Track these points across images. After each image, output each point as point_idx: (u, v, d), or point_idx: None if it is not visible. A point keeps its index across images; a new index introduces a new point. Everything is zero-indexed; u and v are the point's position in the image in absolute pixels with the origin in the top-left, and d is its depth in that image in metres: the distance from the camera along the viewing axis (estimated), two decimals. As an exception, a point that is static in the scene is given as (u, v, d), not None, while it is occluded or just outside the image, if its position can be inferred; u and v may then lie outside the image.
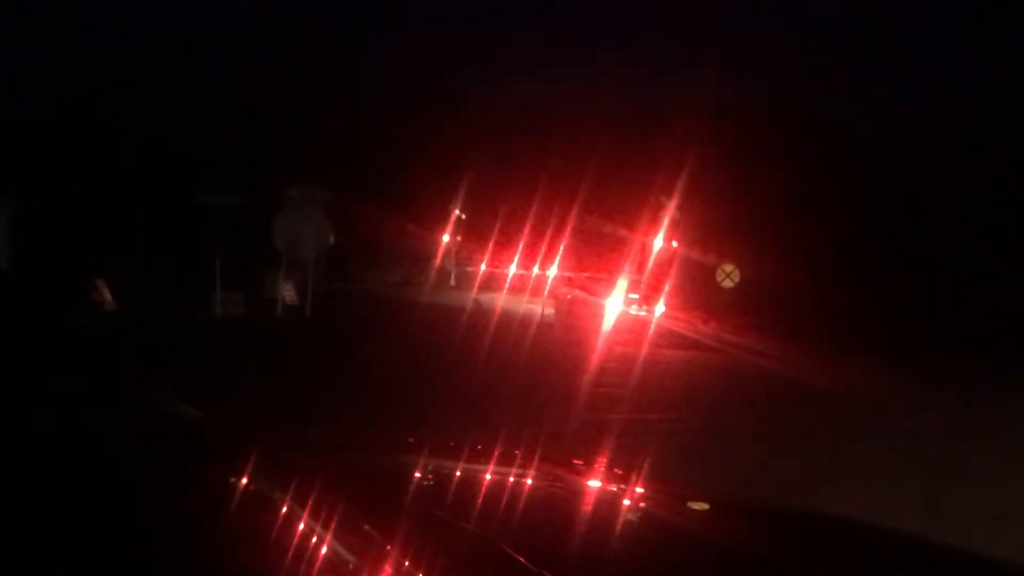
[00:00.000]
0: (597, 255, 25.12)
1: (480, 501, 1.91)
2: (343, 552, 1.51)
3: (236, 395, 7.11)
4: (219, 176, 21.87)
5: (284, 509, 1.64)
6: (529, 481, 2.18)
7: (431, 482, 2.12)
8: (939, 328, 19.63)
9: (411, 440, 2.55)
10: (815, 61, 40.88)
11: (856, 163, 26.94)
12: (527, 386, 10.50)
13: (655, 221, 22.92)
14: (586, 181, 25.24)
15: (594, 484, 2.36)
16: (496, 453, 2.32)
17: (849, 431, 9.30)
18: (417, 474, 2.12)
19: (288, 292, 19.02)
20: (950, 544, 1.99)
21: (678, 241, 23.02)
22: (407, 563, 1.44)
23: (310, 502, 1.61)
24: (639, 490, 2.26)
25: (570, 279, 23.11)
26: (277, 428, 2.49)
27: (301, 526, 1.57)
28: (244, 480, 1.77)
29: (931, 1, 43.65)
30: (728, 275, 22.01)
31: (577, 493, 2.26)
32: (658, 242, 22.36)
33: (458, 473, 2.17)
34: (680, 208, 22.73)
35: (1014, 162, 25.82)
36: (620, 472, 2.60)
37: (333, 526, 1.54)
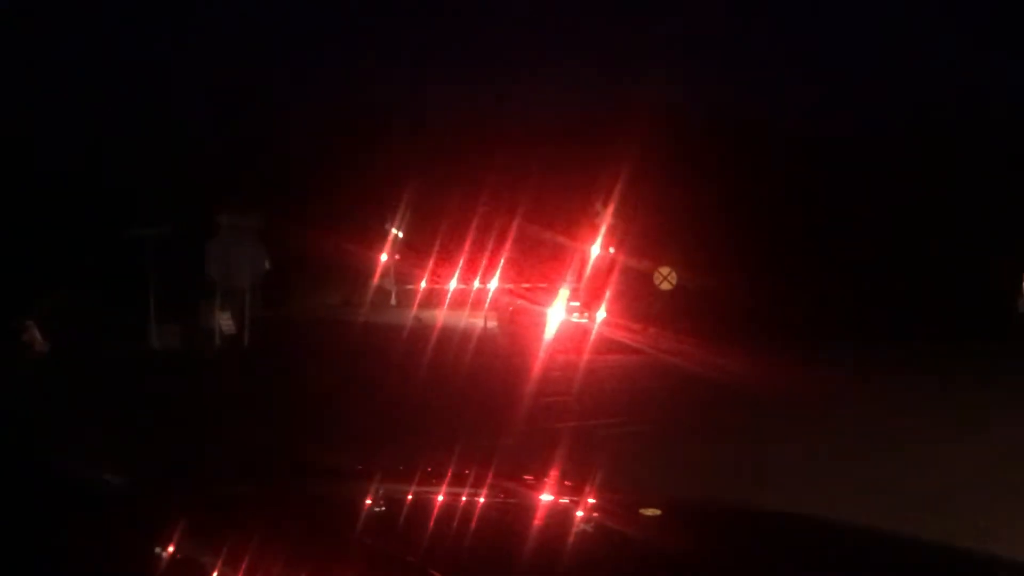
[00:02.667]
0: (537, 265, 25.20)
1: (431, 525, 1.89)
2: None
3: (171, 440, 6.94)
4: (148, 207, 21.45)
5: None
6: (481, 500, 2.17)
7: (381, 510, 2.10)
8: (871, 325, 20.13)
9: (359, 467, 2.53)
10: (749, 65, 41.60)
11: (791, 165, 27.49)
12: (473, 401, 10.47)
13: (593, 228, 23.10)
14: (523, 192, 25.33)
15: (546, 498, 2.36)
16: (448, 474, 2.31)
17: (789, 428, 9.46)
18: (367, 502, 2.10)
19: (225, 321, 18.71)
20: (903, 535, 2.03)
21: (616, 247, 23.23)
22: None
23: (244, 565, 1.51)
24: (591, 500, 2.27)
25: (511, 290, 23.17)
26: (215, 474, 2.36)
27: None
28: (171, 550, 1.63)
29: (863, 5, 44.79)
30: (666, 278, 22.28)
31: (530, 509, 2.26)
32: (596, 249, 22.55)
33: (409, 498, 2.15)
34: (616, 214, 22.94)
35: (949, 163, 26.59)
36: (571, 484, 2.61)
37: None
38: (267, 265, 19.36)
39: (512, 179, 26.09)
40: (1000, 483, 6.74)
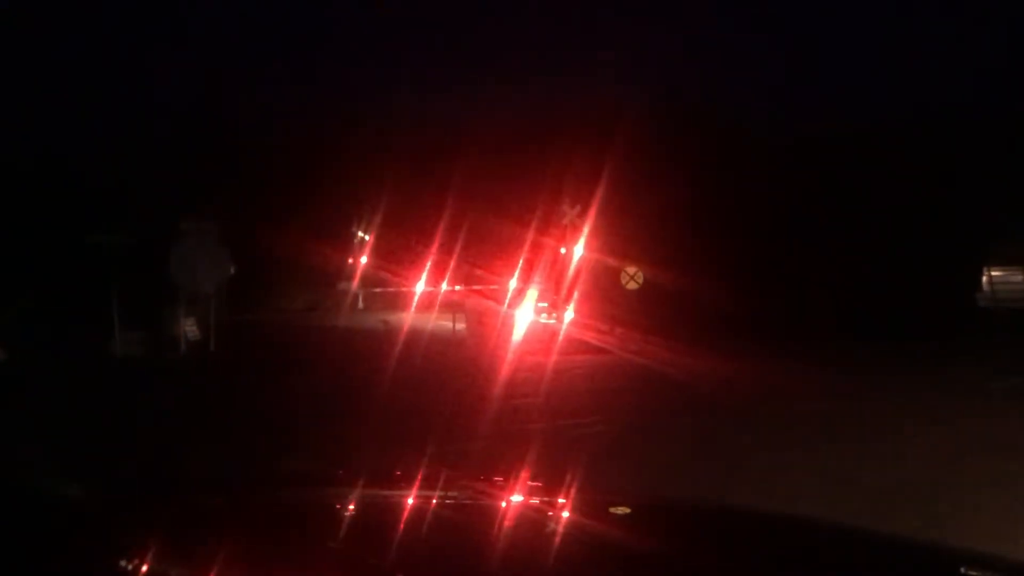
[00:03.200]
0: (505, 266, 25.20)
1: (402, 529, 1.90)
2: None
3: (138, 450, 6.87)
4: (111, 213, 21.20)
5: None
6: (452, 503, 2.17)
7: (351, 515, 2.10)
8: (837, 324, 20.40)
9: (330, 472, 2.52)
10: (718, 65, 41.93)
11: (757, 166, 27.71)
12: (442, 403, 10.46)
13: (561, 229, 23.16)
14: (490, 193, 25.33)
15: (516, 499, 2.37)
16: (419, 478, 2.31)
17: (754, 426, 9.56)
18: (338, 507, 2.09)
19: (190, 327, 18.51)
20: (867, 530, 2.06)
21: (584, 247, 23.30)
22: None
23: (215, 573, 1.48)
24: (560, 501, 2.28)
25: (479, 292, 23.15)
26: (183, 483, 2.31)
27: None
28: (139, 562, 1.58)
29: (826, 7, 45.24)
30: (632, 277, 22.39)
31: (500, 510, 2.27)
32: (564, 250, 22.61)
33: (380, 502, 2.15)
34: (584, 214, 23.02)
35: (907, 164, 26.95)
36: (541, 484, 2.62)
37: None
38: (231, 270, 19.18)
39: (480, 180, 26.07)
40: (957, 474, 6.87)
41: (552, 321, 19.10)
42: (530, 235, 24.40)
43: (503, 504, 2.30)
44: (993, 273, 26.50)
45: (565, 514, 2.17)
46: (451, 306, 24.18)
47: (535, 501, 2.35)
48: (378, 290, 33.24)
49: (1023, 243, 26.13)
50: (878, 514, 5.56)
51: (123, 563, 1.61)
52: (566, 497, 2.30)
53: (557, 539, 1.96)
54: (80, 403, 10.16)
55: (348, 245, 31.45)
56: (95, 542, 1.72)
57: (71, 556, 1.65)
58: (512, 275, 23.49)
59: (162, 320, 19.15)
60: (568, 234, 22.92)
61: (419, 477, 2.33)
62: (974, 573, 1.90)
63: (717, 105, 31.23)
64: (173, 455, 6.32)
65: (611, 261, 22.96)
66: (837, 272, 25.04)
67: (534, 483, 2.71)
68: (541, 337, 17.54)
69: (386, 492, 2.22)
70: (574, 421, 9.63)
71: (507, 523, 2.09)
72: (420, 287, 28.08)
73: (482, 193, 25.44)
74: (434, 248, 26.08)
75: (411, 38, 47.76)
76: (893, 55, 41.58)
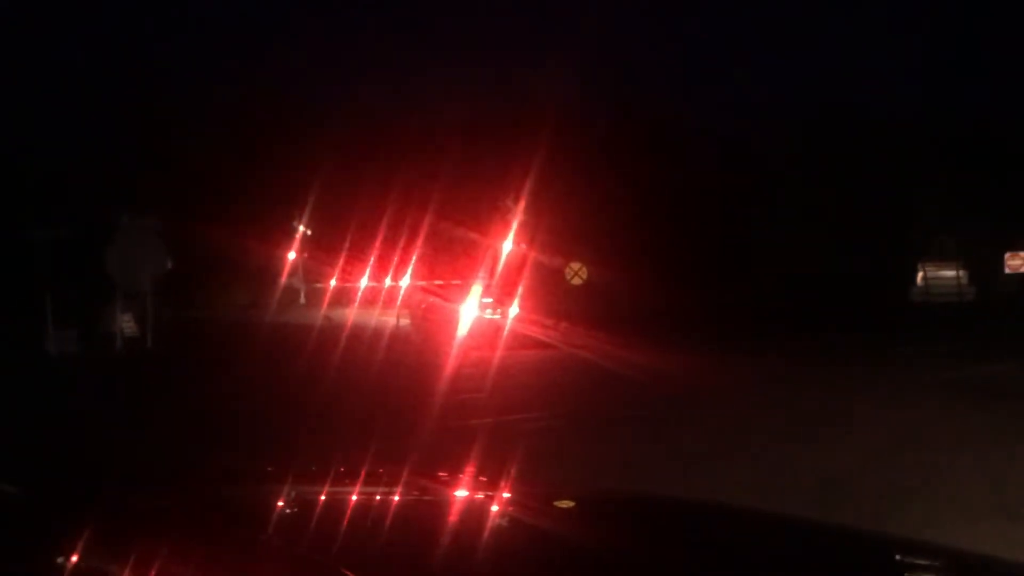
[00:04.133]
0: (449, 262, 25.13)
1: (345, 525, 1.87)
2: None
3: (71, 447, 6.69)
4: (44, 208, 20.67)
5: None
6: (396, 499, 2.15)
7: (293, 512, 2.06)
8: (777, 319, 20.77)
9: (270, 468, 2.47)
10: (659, 62, 42.32)
11: (699, 164, 28.06)
12: (386, 399, 10.40)
13: (504, 224, 23.18)
14: (434, 188, 25.22)
15: (461, 494, 2.36)
16: (362, 474, 2.28)
17: (697, 417, 9.69)
18: (279, 504, 2.06)
19: (127, 324, 18.14)
20: (817, 521, 2.09)
21: (527, 243, 23.36)
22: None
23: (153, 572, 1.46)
24: (505, 495, 2.27)
25: (423, 287, 23.05)
26: (117, 481, 2.25)
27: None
28: (72, 560, 1.53)
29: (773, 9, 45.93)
30: (576, 273, 22.53)
31: (444, 505, 2.25)
32: (508, 245, 22.63)
33: (322, 498, 2.12)
34: (528, 210, 23.08)
35: (847, 162, 27.53)
36: (485, 479, 2.61)
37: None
38: (169, 265, 18.81)
39: (423, 175, 25.97)
40: (891, 467, 7.04)
41: (497, 316, 19.10)
42: (474, 230, 24.40)
43: (448, 499, 2.29)
44: (928, 270, 27.18)
45: (509, 508, 2.16)
46: (395, 301, 24.05)
47: (480, 496, 2.33)
48: (320, 285, 32.91)
49: (962, 240, 26.85)
50: (819, 505, 5.66)
51: (52, 561, 1.57)
52: (511, 492, 2.29)
53: (501, 533, 1.95)
54: (11, 399, 9.88)
55: (290, 240, 31.07)
56: (24, 541, 1.68)
57: (3, 551, 1.62)
58: (457, 270, 23.45)
59: (98, 316, 18.73)
60: (513, 230, 22.96)
61: (362, 473, 2.30)
62: (907, 560, 1.93)
63: (660, 104, 31.58)
64: (106, 452, 6.18)
65: (556, 257, 23.07)
66: (775, 267, 25.50)
67: (479, 477, 2.69)
68: (486, 332, 17.54)
69: (329, 488, 2.18)
70: (520, 416, 9.65)
71: (452, 519, 2.08)
72: (363, 283, 27.87)
73: (427, 188, 25.33)
74: (378, 244, 25.91)
75: (352, 31, 47.34)
76: (843, 54, 42.40)
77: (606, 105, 28.99)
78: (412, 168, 26.64)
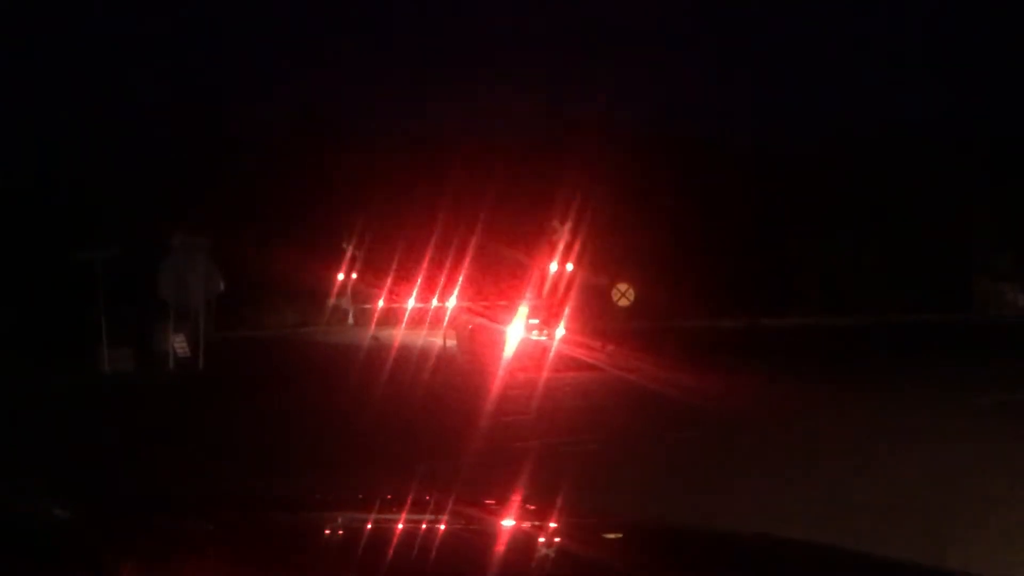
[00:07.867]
0: (496, 283, 25.20)
1: (391, 555, 1.85)
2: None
3: (123, 470, 6.79)
4: (99, 228, 21.13)
5: None
6: (443, 527, 2.13)
7: (340, 540, 2.05)
8: (828, 343, 20.44)
9: (318, 496, 2.47)
10: (707, 89, 42.25)
11: (747, 184, 27.84)
12: (433, 422, 10.41)
13: (551, 246, 23.20)
14: (481, 210, 25.38)
15: (508, 524, 2.33)
16: (408, 502, 2.27)
17: (747, 443, 9.51)
18: (327, 532, 2.05)
19: (179, 344, 18.41)
20: (843, 548, 2.03)
21: (574, 264, 23.33)
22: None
23: None
24: (552, 525, 2.24)
25: (470, 308, 23.12)
26: (168, 506, 2.25)
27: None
28: None
29: (823, 31, 45.68)
30: (623, 294, 22.39)
31: (492, 535, 2.23)
32: (555, 266, 22.61)
33: (369, 527, 2.11)
34: (575, 232, 23.08)
35: (914, 175, 27.13)
36: (533, 508, 2.58)
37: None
38: (221, 286, 19.08)
39: (471, 197, 26.13)
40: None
41: (543, 338, 19.06)
42: (521, 251, 24.44)
43: (495, 529, 2.26)
44: (986, 288, 26.61)
45: (557, 539, 2.13)
46: (441, 322, 24.14)
47: (527, 525, 2.31)
48: (368, 306, 33.18)
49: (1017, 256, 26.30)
50: (873, 535, 5.51)
51: None
52: (557, 521, 2.25)
53: (548, 564, 1.92)
54: (66, 419, 10.07)
55: (339, 261, 31.42)
56: (78, 564, 1.68)
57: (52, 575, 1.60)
58: (503, 291, 23.49)
59: (151, 336, 19.04)
60: (559, 251, 22.96)
61: (408, 501, 2.28)
62: None
63: (706, 125, 31.47)
64: (159, 475, 6.25)
65: (602, 278, 22.98)
66: (829, 289, 25.13)
67: (527, 506, 2.66)
68: (532, 353, 17.50)
69: (375, 516, 2.17)
70: (566, 439, 9.58)
71: (499, 548, 2.05)
72: (411, 303, 28.04)
73: (474, 210, 25.47)
74: (425, 265, 26.08)
75: (405, 58, 47.95)
76: (892, 73, 41.92)
77: (655, 128, 28.95)
78: (460, 190, 26.82)
